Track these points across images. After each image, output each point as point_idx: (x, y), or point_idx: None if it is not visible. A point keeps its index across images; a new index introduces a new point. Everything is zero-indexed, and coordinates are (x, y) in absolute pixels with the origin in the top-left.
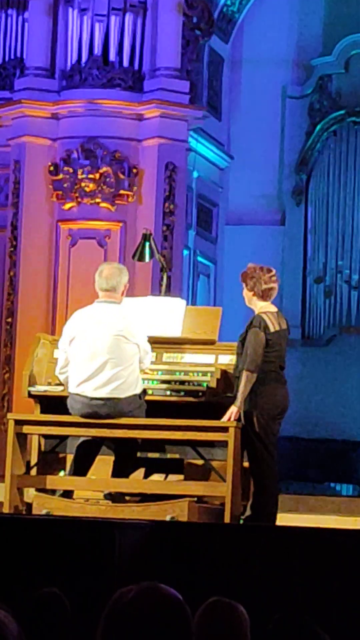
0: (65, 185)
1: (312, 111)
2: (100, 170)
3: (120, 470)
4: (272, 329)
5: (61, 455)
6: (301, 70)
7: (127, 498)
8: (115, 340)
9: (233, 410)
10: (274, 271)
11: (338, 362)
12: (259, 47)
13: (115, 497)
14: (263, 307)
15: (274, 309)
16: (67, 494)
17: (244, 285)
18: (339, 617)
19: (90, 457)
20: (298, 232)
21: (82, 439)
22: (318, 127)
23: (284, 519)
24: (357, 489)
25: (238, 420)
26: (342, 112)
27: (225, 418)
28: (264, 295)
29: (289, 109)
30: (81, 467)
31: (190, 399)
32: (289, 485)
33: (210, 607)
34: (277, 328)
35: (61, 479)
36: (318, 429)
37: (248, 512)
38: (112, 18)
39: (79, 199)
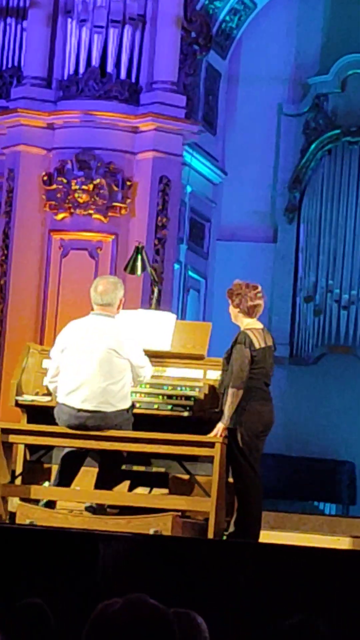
0: (58, 195)
1: (307, 129)
2: (94, 182)
3: (104, 482)
4: (257, 346)
5: (46, 465)
6: (298, 88)
7: (108, 510)
8: (106, 354)
9: (220, 427)
10: (259, 287)
11: (326, 381)
12: (256, 64)
13: (97, 510)
14: (249, 324)
15: (259, 325)
16: (50, 504)
17: (229, 302)
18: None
19: (75, 468)
20: (289, 250)
21: (67, 449)
22: (313, 145)
23: (267, 537)
24: (341, 509)
25: (225, 436)
26: (337, 131)
27: (212, 434)
28: (249, 312)
29: (284, 127)
30: (65, 478)
31: (177, 413)
32: (273, 502)
33: None
34: (263, 345)
35: (46, 489)
36: (304, 447)
37: (232, 529)
38: (111, 30)
39: (72, 210)
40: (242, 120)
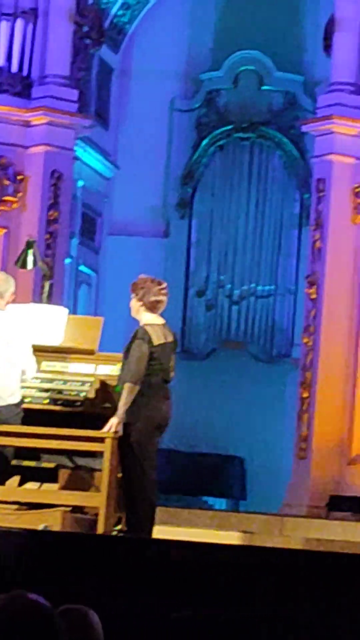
0: None
1: (199, 125)
2: None
3: None
4: (156, 342)
5: None
6: (190, 83)
7: None
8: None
9: (114, 422)
10: (164, 284)
11: (217, 376)
12: (148, 59)
13: None
14: (149, 320)
15: (160, 321)
16: None
17: (133, 295)
18: (211, 630)
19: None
20: (181, 245)
21: None
22: (205, 141)
23: (158, 532)
24: (231, 504)
25: (117, 431)
26: (229, 127)
27: (105, 429)
28: (151, 307)
29: (176, 122)
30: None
31: (68, 408)
32: (164, 498)
33: (60, 615)
34: (162, 341)
35: None
36: (195, 442)
37: (124, 527)
38: (3, 23)
39: None
40: (135, 115)
